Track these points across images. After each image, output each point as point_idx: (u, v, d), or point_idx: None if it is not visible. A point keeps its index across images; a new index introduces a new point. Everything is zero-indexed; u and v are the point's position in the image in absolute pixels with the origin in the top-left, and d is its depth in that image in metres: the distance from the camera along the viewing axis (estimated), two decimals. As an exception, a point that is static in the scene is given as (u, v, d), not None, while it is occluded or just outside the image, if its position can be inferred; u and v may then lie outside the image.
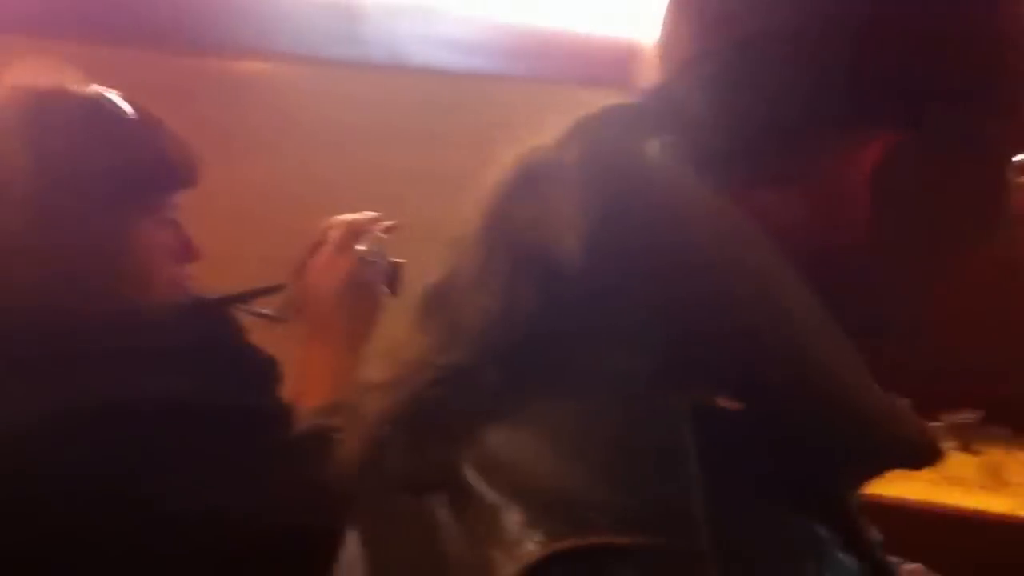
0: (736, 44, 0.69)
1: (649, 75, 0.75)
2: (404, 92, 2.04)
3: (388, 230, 1.37)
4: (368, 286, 1.35)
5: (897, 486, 2.00)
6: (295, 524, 1.16)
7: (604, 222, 0.66)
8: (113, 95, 1.35)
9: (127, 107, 1.34)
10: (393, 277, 1.38)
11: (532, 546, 0.59)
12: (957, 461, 2.21)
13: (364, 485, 0.73)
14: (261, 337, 1.37)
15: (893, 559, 0.83)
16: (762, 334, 0.64)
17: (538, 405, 0.66)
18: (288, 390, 1.33)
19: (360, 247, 1.35)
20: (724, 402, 0.64)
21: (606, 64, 2.30)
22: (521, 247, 0.68)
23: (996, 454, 2.29)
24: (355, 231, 1.35)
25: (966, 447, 2.29)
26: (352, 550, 0.75)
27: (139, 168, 1.31)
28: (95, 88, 1.34)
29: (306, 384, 1.31)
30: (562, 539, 0.59)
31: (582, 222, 0.66)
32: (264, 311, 1.38)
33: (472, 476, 0.64)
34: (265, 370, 1.34)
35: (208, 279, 1.39)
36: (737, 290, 0.65)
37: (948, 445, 2.23)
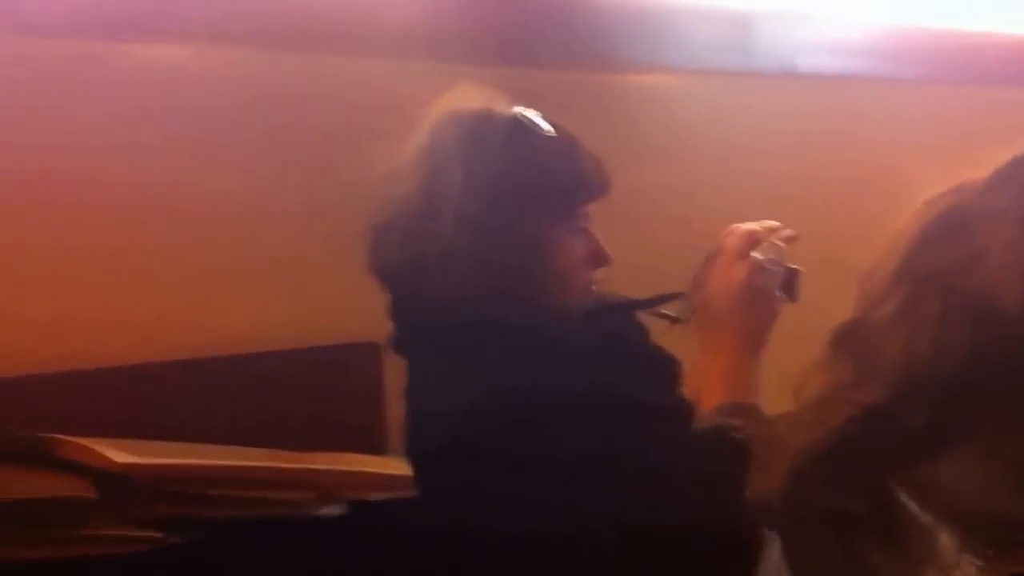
0: None
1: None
2: (794, 100, 2.08)
3: (787, 240, 1.42)
4: (765, 293, 1.40)
5: None
6: (696, 519, 1.25)
7: None
8: (533, 114, 1.48)
9: (545, 125, 1.47)
10: (791, 284, 1.42)
11: (971, 569, 0.62)
12: None
13: (783, 512, 0.77)
14: (663, 338, 1.46)
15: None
16: None
17: (982, 435, 0.68)
18: (687, 390, 1.42)
19: (758, 255, 1.40)
20: None
21: (1001, 63, 2.25)
22: (952, 289, 0.69)
23: None
24: (753, 240, 1.41)
25: None
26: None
27: (557, 181, 1.44)
28: (517, 109, 1.48)
29: (704, 385, 1.39)
30: (999, 564, 0.61)
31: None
32: (666, 313, 1.47)
33: (905, 499, 0.67)
34: (667, 369, 1.44)
35: (614, 283, 1.50)
36: None
37: None
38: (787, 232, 1.42)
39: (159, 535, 1.51)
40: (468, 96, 1.47)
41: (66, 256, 1.78)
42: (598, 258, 1.46)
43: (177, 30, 1.77)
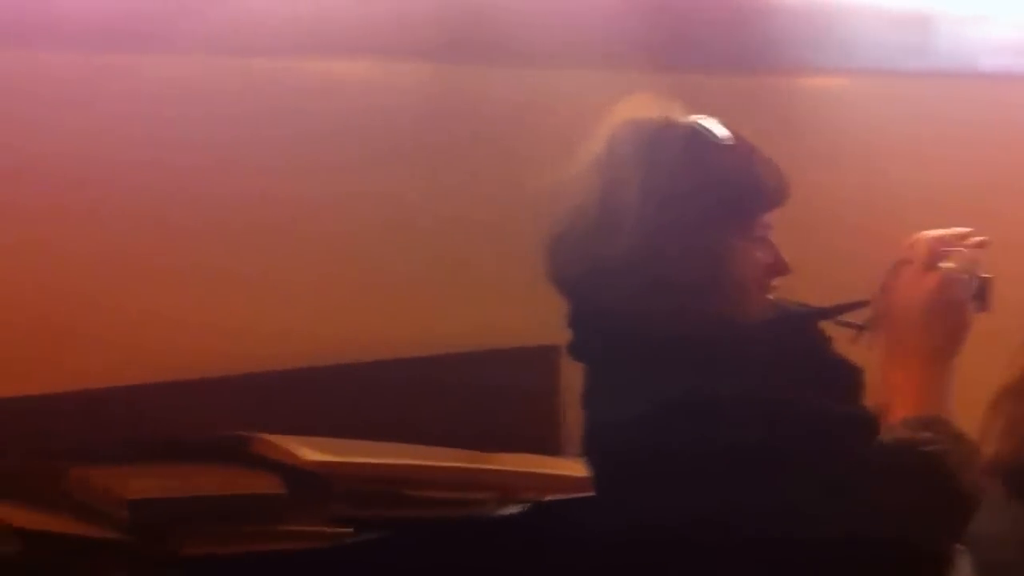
0: None
1: None
2: (975, 100, 2.04)
3: (978, 245, 1.39)
4: (956, 303, 1.37)
5: None
6: (881, 533, 1.24)
7: None
8: (710, 123, 1.48)
9: (723, 133, 1.47)
10: (983, 293, 1.39)
11: None
12: None
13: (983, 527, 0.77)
14: (847, 347, 1.45)
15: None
16: None
17: None
18: (873, 401, 1.40)
19: (947, 264, 1.38)
20: None
21: None
22: None
23: None
24: (942, 248, 1.38)
25: None
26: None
27: (735, 190, 1.43)
28: (695, 117, 1.48)
29: (891, 397, 1.37)
30: None
31: None
32: (851, 321, 1.45)
33: None
34: (851, 379, 1.43)
35: (794, 291, 1.50)
36: None
37: None
38: (978, 238, 1.39)
39: (349, 531, 1.58)
40: (645, 105, 1.48)
41: (259, 261, 1.86)
42: (777, 267, 1.46)
43: (355, 45, 1.82)
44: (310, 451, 1.64)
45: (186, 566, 1.49)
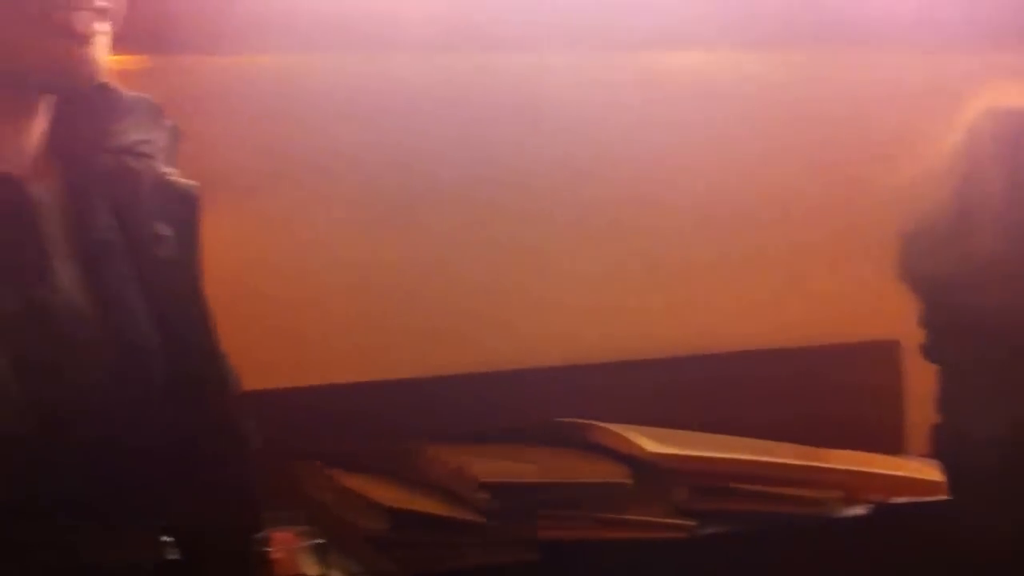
0: None
1: None
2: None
3: None
4: None
5: None
6: None
7: None
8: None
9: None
10: None
11: None
12: None
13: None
14: None
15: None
16: None
17: None
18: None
19: None
20: None
21: None
22: None
23: None
24: None
25: None
26: None
27: None
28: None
29: None
30: None
31: None
32: None
33: None
34: None
35: None
36: None
37: None
38: None
39: (693, 524, 1.59)
40: (1010, 92, 1.42)
41: (596, 257, 1.90)
42: None
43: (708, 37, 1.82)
44: (651, 442, 1.66)
45: (541, 549, 1.54)
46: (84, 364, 0.99)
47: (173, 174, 1.13)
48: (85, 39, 1.00)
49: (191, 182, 1.14)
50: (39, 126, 1.04)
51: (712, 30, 1.73)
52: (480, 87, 1.81)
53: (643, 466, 1.64)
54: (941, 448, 1.45)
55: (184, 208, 1.13)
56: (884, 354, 1.91)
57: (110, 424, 0.99)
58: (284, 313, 1.72)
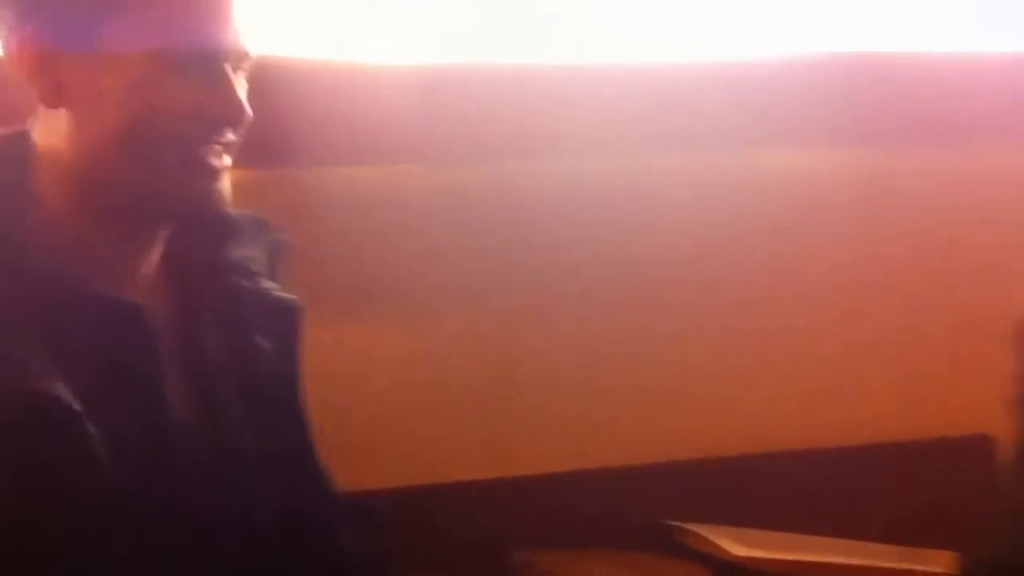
0: None
1: None
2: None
3: None
4: None
5: None
6: None
7: None
8: None
9: None
10: None
11: None
12: None
13: None
14: None
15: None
16: None
17: None
18: None
19: None
20: None
21: None
22: None
23: None
24: None
25: None
26: None
27: None
28: None
29: None
30: None
31: None
32: None
33: None
34: None
35: None
36: None
37: None
38: None
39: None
40: None
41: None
42: None
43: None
44: (738, 545, 1.65)
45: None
46: (196, 481, 1.01)
47: (275, 288, 1.15)
48: (218, 173, 1.04)
49: (291, 296, 1.16)
50: (157, 252, 1.08)
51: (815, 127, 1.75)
52: (584, 189, 1.82)
53: (730, 570, 1.62)
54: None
55: (285, 321, 1.15)
56: (978, 449, 1.88)
57: (220, 543, 1.01)
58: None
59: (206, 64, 1.03)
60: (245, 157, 1.13)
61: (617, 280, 1.83)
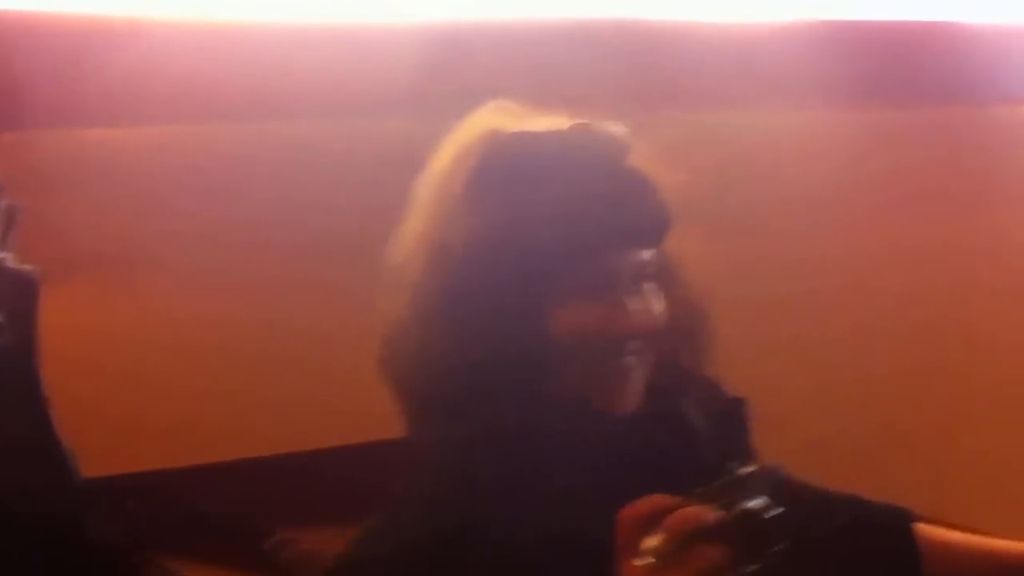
0: None
1: None
2: None
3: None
4: None
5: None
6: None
7: None
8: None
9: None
10: None
11: None
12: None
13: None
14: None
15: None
16: None
17: None
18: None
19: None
20: None
21: None
22: None
23: None
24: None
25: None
26: None
27: None
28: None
29: None
30: None
31: None
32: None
33: None
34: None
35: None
36: None
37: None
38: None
39: None
40: None
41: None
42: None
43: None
44: None
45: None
46: None
47: (7, 259, 1.06)
48: None
49: (27, 266, 1.07)
50: None
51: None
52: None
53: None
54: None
55: (19, 294, 1.06)
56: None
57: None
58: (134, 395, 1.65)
59: None
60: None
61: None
